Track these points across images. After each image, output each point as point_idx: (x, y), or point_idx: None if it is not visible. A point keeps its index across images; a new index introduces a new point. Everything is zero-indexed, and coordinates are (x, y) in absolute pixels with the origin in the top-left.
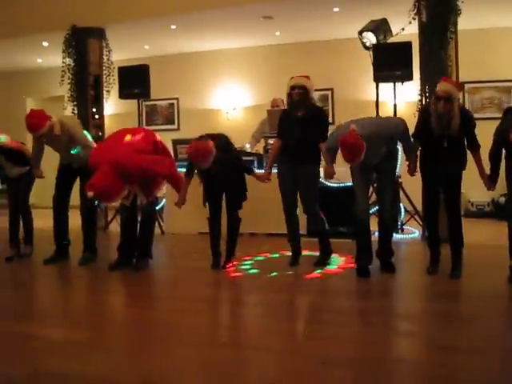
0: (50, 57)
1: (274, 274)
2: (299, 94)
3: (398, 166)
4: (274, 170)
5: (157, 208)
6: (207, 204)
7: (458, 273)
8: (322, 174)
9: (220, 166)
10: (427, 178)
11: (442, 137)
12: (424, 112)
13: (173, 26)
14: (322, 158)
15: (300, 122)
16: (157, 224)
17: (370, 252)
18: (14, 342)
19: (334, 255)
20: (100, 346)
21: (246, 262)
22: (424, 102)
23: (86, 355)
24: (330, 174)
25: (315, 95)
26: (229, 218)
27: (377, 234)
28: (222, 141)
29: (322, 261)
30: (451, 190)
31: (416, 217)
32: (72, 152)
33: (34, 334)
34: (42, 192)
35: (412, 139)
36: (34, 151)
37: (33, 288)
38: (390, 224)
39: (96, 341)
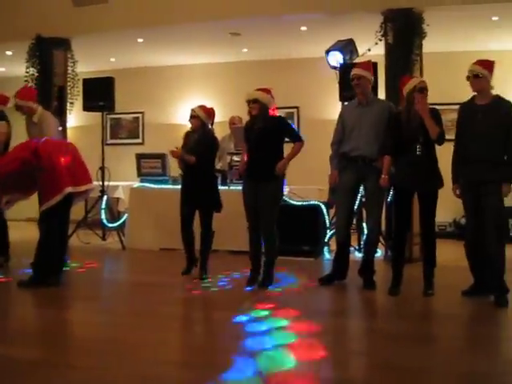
0: (14, 66)
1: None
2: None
3: None
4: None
5: (118, 223)
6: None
7: (432, 291)
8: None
9: None
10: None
11: None
12: None
13: (139, 40)
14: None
15: (257, 135)
16: (117, 239)
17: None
18: None
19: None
20: (58, 364)
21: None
22: None
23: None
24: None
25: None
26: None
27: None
28: None
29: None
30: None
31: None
32: None
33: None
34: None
35: None
36: None
37: None
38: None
39: (53, 359)
